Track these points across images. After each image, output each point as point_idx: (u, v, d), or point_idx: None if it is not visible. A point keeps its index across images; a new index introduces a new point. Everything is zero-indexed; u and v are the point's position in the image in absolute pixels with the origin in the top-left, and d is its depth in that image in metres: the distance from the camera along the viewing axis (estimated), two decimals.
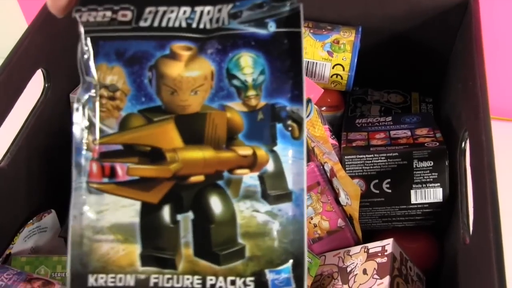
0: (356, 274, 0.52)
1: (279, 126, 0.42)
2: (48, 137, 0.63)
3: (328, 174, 0.57)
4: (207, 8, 0.42)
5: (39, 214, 0.63)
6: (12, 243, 0.60)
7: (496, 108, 0.90)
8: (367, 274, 0.51)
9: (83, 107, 0.44)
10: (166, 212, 0.43)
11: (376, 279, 0.50)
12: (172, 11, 0.43)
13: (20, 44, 0.57)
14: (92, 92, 0.43)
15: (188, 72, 0.43)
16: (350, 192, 0.54)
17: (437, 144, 0.57)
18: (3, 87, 0.54)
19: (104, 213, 0.43)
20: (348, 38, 0.66)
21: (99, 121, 0.43)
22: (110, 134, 0.43)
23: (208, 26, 0.42)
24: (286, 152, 0.42)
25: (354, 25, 0.69)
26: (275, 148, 0.42)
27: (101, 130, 0.43)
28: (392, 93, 0.74)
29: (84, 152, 0.43)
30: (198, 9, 0.42)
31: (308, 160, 0.64)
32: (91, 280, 0.42)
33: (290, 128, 0.42)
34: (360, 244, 0.56)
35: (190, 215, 0.42)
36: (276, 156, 0.42)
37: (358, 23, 0.70)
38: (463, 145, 0.57)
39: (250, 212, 0.42)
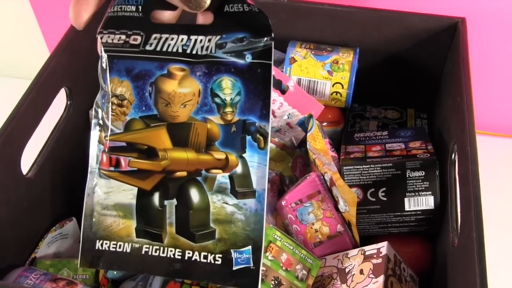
0: (353, 274, 0.57)
1: (248, 138, 0.52)
2: (70, 149, 0.69)
3: (328, 183, 0.62)
4: (200, 37, 0.52)
5: (61, 221, 0.67)
6: (37, 248, 0.65)
7: (483, 123, 0.95)
8: (363, 274, 0.56)
9: (99, 109, 0.54)
10: (156, 197, 0.54)
11: (372, 278, 0.55)
12: (172, 38, 0.52)
13: (47, 65, 0.63)
14: (106, 99, 0.54)
15: (180, 89, 0.53)
16: (348, 199, 0.59)
17: (428, 155, 0.62)
18: (33, 104, 0.60)
19: (110, 194, 0.54)
20: (346, 59, 0.71)
21: (110, 122, 0.54)
22: (117, 133, 0.54)
23: (199, 52, 0.52)
24: (253, 159, 0.52)
25: (352, 46, 0.75)
26: (244, 155, 0.52)
27: (111, 130, 0.54)
28: (389, 110, 0.80)
29: (98, 145, 0.54)
30: (193, 37, 0.51)
31: (310, 171, 0.69)
32: (97, 244, 0.54)
33: (257, 140, 0.52)
34: (358, 247, 0.61)
35: (174, 201, 0.53)
36: (244, 161, 0.52)
37: (356, 45, 0.75)
38: (452, 156, 0.62)
39: (221, 204, 0.52)
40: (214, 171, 0.53)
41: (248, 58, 0.51)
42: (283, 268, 0.56)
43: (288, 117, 0.71)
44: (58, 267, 0.63)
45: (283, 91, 0.71)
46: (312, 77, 0.72)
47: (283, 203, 0.63)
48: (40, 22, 1.02)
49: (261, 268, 0.51)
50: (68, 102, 0.68)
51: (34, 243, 0.65)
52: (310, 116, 0.67)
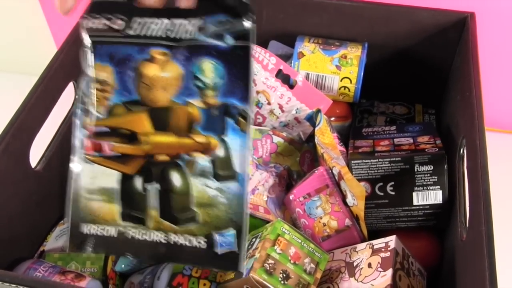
0: (361, 268, 0.57)
1: (230, 121, 0.52)
2: None
3: (336, 177, 0.62)
4: (182, 21, 0.51)
5: None
6: (45, 241, 0.65)
7: (493, 120, 0.94)
8: (371, 268, 0.56)
9: (83, 94, 0.55)
10: (139, 181, 0.54)
11: (380, 271, 0.55)
12: (155, 23, 0.52)
13: (56, 59, 0.63)
14: (89, 84, 0.54)
15: (162, 73, 0.53)
16: (356, 193, 0.59)
17: (437, 149, 0.62)
18: (41, 97, 0.60)
19: (94, 179, 0.54)
20: (355, 53, 0.71)
21: (93, 108, 0.54)
22: (100, 118, 0.54)
23: (181, 36, 0.51)
24: (235, 142, 0.52)
25: (360, 41, 0.75)
26: (225, 138, 0.52)
27: (94, 115, 0.54)
28: (397, 105, 0.79)
29: (82, 130, 0.55)
30: (175, 21, 0.51)
31: (318, 165, 0.69)
32: (85, 229, 0.54)
33: (238, 123, 0.51)
34: (366, 242, 0.61)
35: (157, 185, 0.53)
36: (226, 145, 0.52)
37: (364, 40, 0.75)
38: (461, 151, 0.62)
39: (203, 187, 0.52)
40: (195, 154, 0.53)
41: (229, 41, 0.50)
42: (292, 261, 0.56)
43: (296, 112, 0.71)
44: (66, 260, 0.63)
45: (291, 86, 0.71)
46: (320, 72, 0.72)
47: (291, 197, 0.63)
48: (49, 19, 1.03)
49: (244, 251, 0.51)
50: (76, 96, 0.68)
51: (43, 236, 0.65)
52: (318, 111, 0.67)
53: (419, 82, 0.79)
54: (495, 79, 0.90)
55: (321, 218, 0.62)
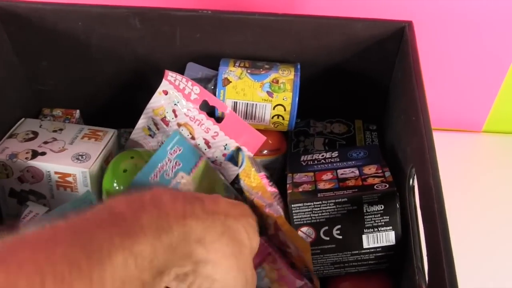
0: None
1: None
2: None
3: (273, 228, 0.54)
4: None
5: None
6: None
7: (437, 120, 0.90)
8: None
9: None
10: None
11: None
12: None
13: None
14: None
15: None
16: (300, 247, 0.52)
17: (387, 186, 0.56)
18: None
19: None
20: (287, 77, 0.63)
21: None
22: None
23: None
24: None
25: (290, 58, 0.67)
26: None
27: None
28: (335, 123, 0.72)
29: None
30: None
31: None
32: None
33: None
34: None
35: None
36: None
37: (293, 56, 0.67)
38: (411, 182, 0.56)
39: None
40: None
41: None
42: None
43: (225, 148, 0.62)
44: None
45: (218, 119, 0.63)
46: (249, 100, 0.63)
47: None
48: None
49: None
50: None
51: None
52: (239, 149, 0.58)
53: (357, 97, 0.72)
54: (439, 82, 0.85)
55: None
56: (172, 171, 0.56)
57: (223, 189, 0.60)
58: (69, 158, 0.61)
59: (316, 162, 0.63)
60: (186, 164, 0.57)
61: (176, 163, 0.56)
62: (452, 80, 0.85)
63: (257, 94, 0.63)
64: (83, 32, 0.67)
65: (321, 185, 0.58)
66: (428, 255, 0.48)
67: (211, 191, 0.57)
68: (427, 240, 0.48)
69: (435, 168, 0.49)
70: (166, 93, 0.64)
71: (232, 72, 0.63)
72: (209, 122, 0.62)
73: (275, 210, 0.54)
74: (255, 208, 0.55)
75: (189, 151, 0.58)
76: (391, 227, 0.55)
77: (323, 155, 0.64)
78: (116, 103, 0.74)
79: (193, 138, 0.64)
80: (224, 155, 0.62)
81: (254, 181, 0.56)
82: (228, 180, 0.62)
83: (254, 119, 0.64)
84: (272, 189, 0.58)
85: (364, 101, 0.72)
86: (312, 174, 0.61)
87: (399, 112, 0.63)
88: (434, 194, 0.47)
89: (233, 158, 0.59)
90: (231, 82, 0.63)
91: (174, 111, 0.64)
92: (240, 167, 0.56)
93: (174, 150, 0.56)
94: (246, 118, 0.63)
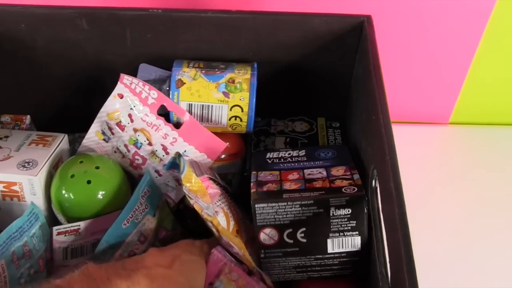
0: None
1: None
2: None
3: (214, 231, 0.53)
4: None
5: None
6: None
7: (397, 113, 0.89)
8: None
9: None
10: None
11: None
12: None
13: None
14: None
15: None
16: (236, 244, 0.52)
17: (355, 189, 0.53)
18: None
19: None
20: (243, 76, 0.60)
21: None
22: None
23: None
24: None
25: (247, 56, 0.64)
26: None
27: None
28: (297, 121, 0.70)
29: None
30: None
31: None
32: None
33: None
34: None
35: None
36: None
37: (250, 54, 0.64)
38: (373, 183, 0.54)
39: None
40: None
41: None
42: None
43: (184, 155, 0.60)
44: None
45: (176, 125, 0.60)
46: (205, 101, 0.60)
47: None
48: None
49: None
50: None
51: None
52: (179, 156, 0.55)
53: (319, 94, 0.70)
54: (403, 75, 0.83)
55: None
56: (141, 214, 0.55)
57: (171, 223, 0.59)
58: (14, 166, 0.58)
59: (282, 160, 0.61)
60: (151, 205, 0.57)
61: (146, 206, 0.56)
62: (416, 72, 0.84)
63: (212, 95, 0.60)
64: (28, 34, 0.63)
65: (287, 185, 0.56)
66: (390, 262, 0.46)
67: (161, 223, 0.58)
68: (389, 246, 0.47)
69: (396, 172, 0.47)
70: (121, 96, 0.61)
71: (186, 73, 0.60)
72: (167, 128, 0.60)
73: (210, 211, 0.52)
74: (196, 213, 0.53)
75: (154, 191, 0.58)
76: (357, 232, 0.53)
77: (289, 153, 0.62)
78: (69, 107, 0.71)
79: (150, 144, 0.61)
80: None
81: (196, 184, 0.53)
82: (175, 200, 0.60)
83: (211, 122, 0.61)
84: (215, 190, 0.56)
85: (326, 98, 0.70)
86: (277, 173, 0.59)
87: (360, 110, 0.61)
88: (395, 199, 0.46)
89: (176, 164, 0.56)
90: (185, 83, 0.60)
91: (130, 115, 0.61)
92: (182, 172, 0.53)
93: (144, 193, 0.56)
94: (202, 121, 0.61)
